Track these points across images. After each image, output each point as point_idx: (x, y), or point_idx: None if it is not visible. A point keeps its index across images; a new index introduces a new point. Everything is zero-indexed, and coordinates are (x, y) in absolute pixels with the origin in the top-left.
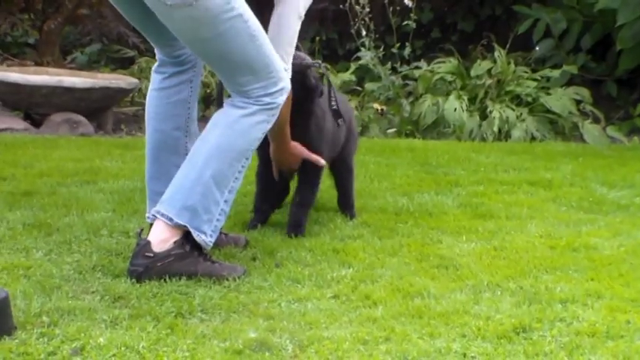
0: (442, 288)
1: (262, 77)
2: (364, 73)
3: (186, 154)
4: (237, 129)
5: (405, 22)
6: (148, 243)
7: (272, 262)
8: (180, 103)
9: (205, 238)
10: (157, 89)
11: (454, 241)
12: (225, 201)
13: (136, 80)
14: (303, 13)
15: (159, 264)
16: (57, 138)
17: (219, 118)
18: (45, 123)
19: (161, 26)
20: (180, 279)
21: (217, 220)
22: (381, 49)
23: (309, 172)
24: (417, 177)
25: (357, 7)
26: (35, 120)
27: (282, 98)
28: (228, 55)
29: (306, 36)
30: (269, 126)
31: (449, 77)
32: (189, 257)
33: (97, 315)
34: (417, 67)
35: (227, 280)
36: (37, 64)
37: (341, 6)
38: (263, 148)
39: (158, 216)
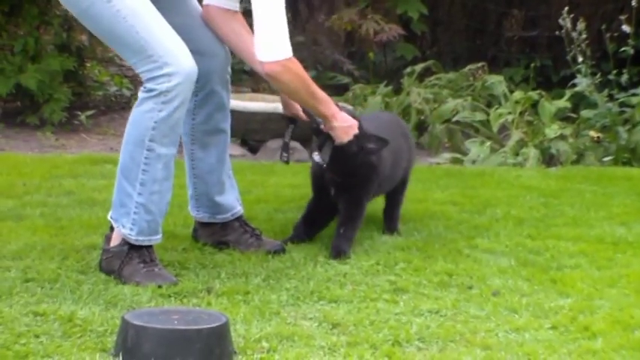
0: None
1: (143, 61)
2: (579, 100)
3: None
4: (131, 120)
5: (623, 49)
6: (108, 238)
7: (488, 290)
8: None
9: (125, 231)
10: None
11: None
12: (140, 193)
13: (350, 107)
14: None
15: (104, 258)
16: (273, 164)
17: None
18: (261, 149)
19: None
20: (396, 305)
21: (135, 213)
22: (598, 76)
23: (350, 205)
24: (635, 206)
25: (573, 33)
26: (252, 146)
27: (168, 85)
28: (102, 34)
29: (518, 63)
30: (162, 114)
31: None
32: (125, 257)
33: (315, 341)
34: (635, 94)
35: (160, 286)
36: (254, 90)
37: (557, 32)
38: (317, 177)
39: None
